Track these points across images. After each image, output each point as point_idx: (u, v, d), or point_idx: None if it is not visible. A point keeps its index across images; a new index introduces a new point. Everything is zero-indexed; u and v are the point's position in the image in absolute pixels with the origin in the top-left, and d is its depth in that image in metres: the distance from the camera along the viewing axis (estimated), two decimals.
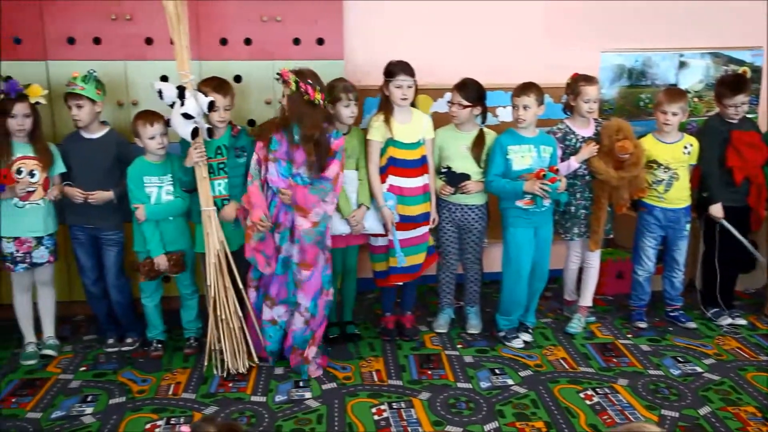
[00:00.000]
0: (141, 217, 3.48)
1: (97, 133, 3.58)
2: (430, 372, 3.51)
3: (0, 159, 3.41)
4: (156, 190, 3.53)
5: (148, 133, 3.44)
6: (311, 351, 3.49)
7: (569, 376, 3.46)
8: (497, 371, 3.52)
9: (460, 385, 3.39)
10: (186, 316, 3.76)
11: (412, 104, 3.67)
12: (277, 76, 3.38)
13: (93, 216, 3.55)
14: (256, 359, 3.51)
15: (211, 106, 3.33)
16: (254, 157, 3.42)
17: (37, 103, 3.47)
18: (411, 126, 3.63)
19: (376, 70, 3.95)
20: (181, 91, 3.27)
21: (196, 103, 3.28)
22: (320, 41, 3.99)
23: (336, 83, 3.55)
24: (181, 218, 3.62)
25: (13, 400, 3.26)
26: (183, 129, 3.31)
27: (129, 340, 3.78)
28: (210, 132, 3.41)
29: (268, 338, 3.52)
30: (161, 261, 3.54)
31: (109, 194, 3.51)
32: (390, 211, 3.60)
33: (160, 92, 3.30)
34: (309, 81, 3.32)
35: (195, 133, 3.31)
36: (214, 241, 3.36)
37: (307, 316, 3.44)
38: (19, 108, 3.40)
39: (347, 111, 3.53)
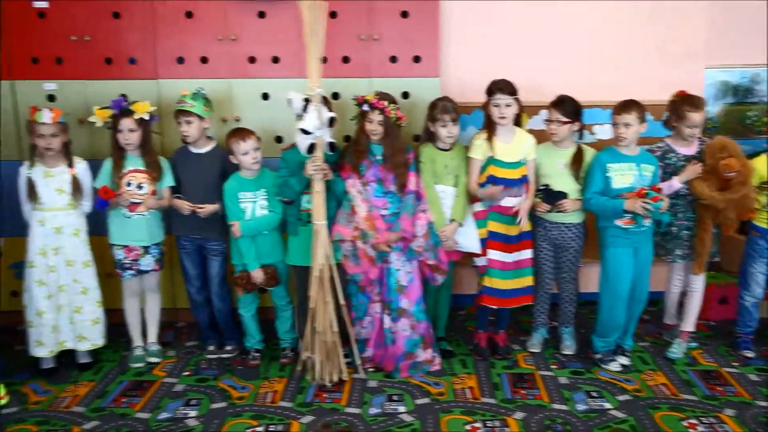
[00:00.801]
0: (237, 234, 3.60)
1: (204, 148, 3.73)
2: (524, 391, 3.47)
3: (114, 171, 3.62)
4: (251, 206, 3.64)
5: (241, 149, 3.56)
6: (426, 353, 3.62)
7: (671, 403, 3.34)
8: (594, 394, 3.44)
9: (555, 406, 3.33)
10: (281, 327, 3.86)
11: (517, 123, 3.67)
12: (363, 103, 3.51)
13: (199, 227, 3.70)
14: (345, 374, 3.56)
15: (332, 122, 3.40)
16: (348, 183, 3.52)
17: (151, 118, 3.65)
18: (513, 145, 3.62)
19: (472, 87, 4.01)
20: (306, 104, 3.36)
21: (317, 117, 3.34)
22: (416, 59, 4.05)
23: (437, 102, 3.59)
24: (276, 231, 3.72)
25: (124, 400, 3.43)
26: (301, 142, 3.40)
27: (228, 348, 3.92)
28: (332, 146, 3.46)
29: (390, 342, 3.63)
30: (257, 274, 3.65)
31: (215, 207, 3.65)
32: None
33: (290, 101, 3.40)
34: (397, 105, 3.53)
35: (312, 148, 3.39)
36: (320, 254, 3.43)
37: (413, 320, 3.55)
38: (125, 123, 3.58)
39: (444, 131, 3.57)
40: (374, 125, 3.50)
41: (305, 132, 3.35)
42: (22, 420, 3.24)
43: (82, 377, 3.65)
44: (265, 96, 4.04)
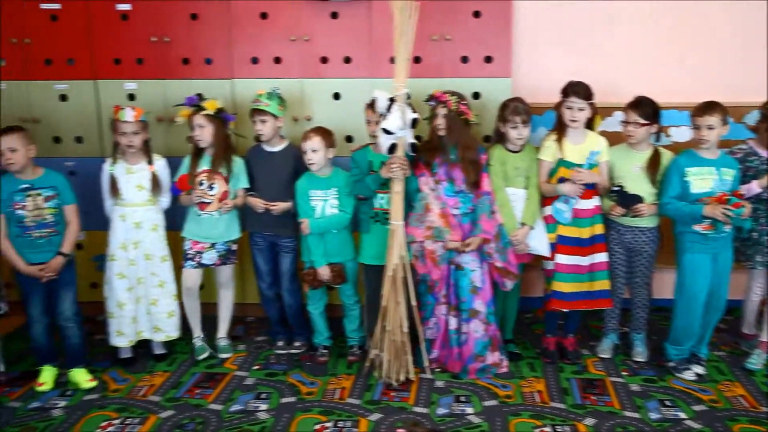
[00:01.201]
0: (305, 231, 3.65)
1: (278, 147, 3.79)
2: (594, 397, 3.41)
3: (190, 169, 3.71)
4: (321, 204, 3.68)
5: (303, 148, 3.61)
6: (494, 356, 3.62)
7: (750, 416, 3.23)
8: (667, 403, 3.35)
9: (627, 413, 3.26)
10: (349, 325, 3.90)
11: (590, 127, 3.61)
12: (430, 99, 3.52)
13: (272, 224, 3.76)
14: (412, 374, 3.56)
15: (415, 123, 3.41)
16: (422, 181, 3.52)
17: (228, 118, 3.73)
18: (584, 147, 3.57)
19: (544, 88, 3.96)
20: (390, 103, 3.37)
21: (400, 118, 3.35)
22: (488, 59, 4.02)
23: (508, 103, 3.57)
24: (345, 231, 3.75)
25: (197, 391, 3.53)
26: (383, 142, 3.41)
27: (297, 344, 3.98)
28: (414, 147, 3.46)
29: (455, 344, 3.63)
30: (324, 272, 3.69)
31: (287, 205, 3.71)
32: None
33: (375, 101, 3.43)
34: (465, 101, 3.49)
35: (392, 148, 3.40)
36: (395, 254, 3.44)
37: (485, 322, 3.57)
38: (196, 120, 3.65)
39: (515, 133, 3.54)
40: (439, 119, 3.49)
41: (387, 132, 3.36)
42: (103, 407, 3.37)
43: (157, 368, 3.78)
44: (337, 96, 4.08)
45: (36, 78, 4.10)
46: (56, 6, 4.01)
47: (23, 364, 3.81)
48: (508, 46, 4.01)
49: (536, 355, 3.87)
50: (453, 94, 3.49)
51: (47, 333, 3.60)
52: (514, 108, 3.53)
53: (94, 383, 3.59)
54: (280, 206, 3.70)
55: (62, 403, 3.40)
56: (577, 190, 3.50)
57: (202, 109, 3.65)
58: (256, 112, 3.67)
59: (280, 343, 3.99)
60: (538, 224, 3.62)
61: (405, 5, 3.29)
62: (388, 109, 3.36)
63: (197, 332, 3.95)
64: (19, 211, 3.43)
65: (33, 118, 4.09)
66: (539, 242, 3.61)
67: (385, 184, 3.54)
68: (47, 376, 3.57)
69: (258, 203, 3.71)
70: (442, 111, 3.47)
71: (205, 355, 3.87)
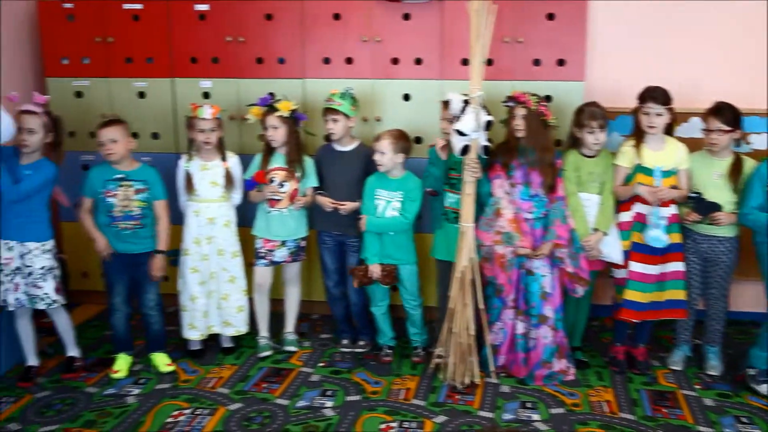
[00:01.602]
0: (362, 227, 3.67)
1: (349, 147, 3.83)
2: (665, 410, 3.33)
3: (262, 166, 3.77)
4: (384, 204, 3.69)
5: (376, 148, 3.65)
6: (561, 363, 3.58)
7: None
8: (744, 419, 3.25)
9: (700, 428, 3.17)
10: (411, 328, 3.89)
11: (669, 132, 3.53)
12: (508, 100, 3.50)
13: (340, 223, 3.80)
14: (477, 378, 3.54)
15: (489, 125, 3.39)
16: (496, 184, 3.50)
17: (300, 117, 3.78)
18: (663, 154, 3.49)
19: (618, 92, 3.90)
20: (464, 105, 3.36)
21: (474, 120, 3.34)
22: (561, 62, 3.96)
23: (585, 107, 3.52)
24: (405, 234, 3.73)
25: (264, 385, 3.59)
26: (456, 143, 3.40)
27: (361, 343, 4.00)
28: (486, 150, 3.44)
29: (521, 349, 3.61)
30: (375, 269, 3.71)
31: (356, 205, 3.74)
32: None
33: (449, 102, 3.44)
34: (544, 102, 3.46)
35: (465, 149, 3.39)
36: (464, 256, 3.44)
37: (553, 328, 3.54)
38: (270, 120, 3.70)
39: (591, 138, 3.49)
40: (518, 120, 3.46)
41: (461, 133, 3.35)
42: (174, 396, 3.46)
43: (226, 361, 3.86)
44: (407, 97, 4.09)
45: (117, 75, 4.24)
46: (138, 6, 4.14)
47: (99, 351, 3.95)
48: (582, 49, 3.95)
49: (604, 364, 3.80)
50: (532, 95, 3.46)
51: (126, 322, 3.73)
52: (591, 113, 3.47)
53: (172, 368, 3.72)
54: (348, 206, 3.73)
55: (136, 391, 3.51)
56: (655, 196, 3.42)
57: (274, 109, 3.71)
58: (329, 111, 3.71)
59: (345, 342, 4.02)
60: (613, 231, 3.55)
61: (482, 7, 3.28)
62: (462, 110, 3.34)
63: (263, 331, 4.01)
64: (110, 199, 3.56)
65: (113, 114, 4.23)
66: (612, 249, 3.54)
67: (453, 180, 3.56)
68: (122, 364, 3.69)
69: (327, 202, 3.75)
70: (521, 111, 3.44)
71: (268, 353, 3.93)
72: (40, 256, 3.44)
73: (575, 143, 3.58)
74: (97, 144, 3.56)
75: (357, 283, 3.78)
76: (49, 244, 3.50)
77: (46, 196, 3.50)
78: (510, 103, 3.50)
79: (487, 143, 3.44)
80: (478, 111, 3.34)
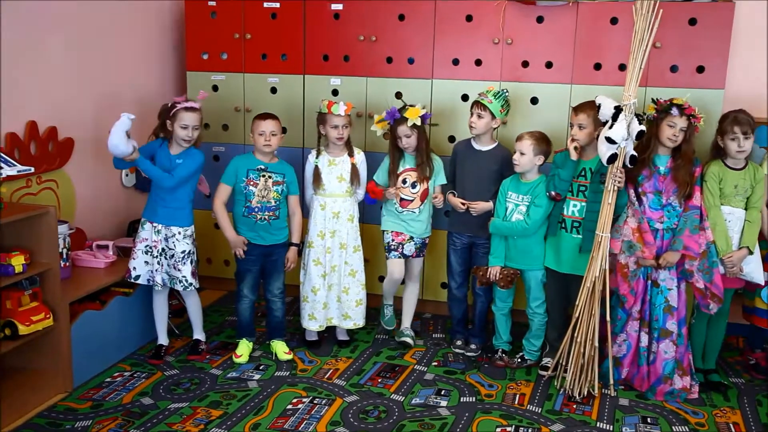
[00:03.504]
0: (488, 228, 3.68)
1: (487, 146, 3.80)
2: None
3: (391, 168, 3.85)
4: (512, 207, 3.67)
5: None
6: (684, 380, 3.45)
7: None
8: None
9: None
10: (530, 335, 3.83)
11: None
12: (659, 105, 3.40)
13: (471, 224, 3.80)
14: (596, 390, 3.46)
15: (641, 135, 3.29)
16: (628, 193, 3.43)
17: (425, 116, 3.78)
18: None
19: (758, 101, 3.70)
20: (617, 112, 3.28)
21: (625, 128, 3.26)
22: (700, 69, 3.81)
23: (729, 114, 3.38)
24: (533, 239, 3.65)
25: (379, 380, 3.64)
26: (603, 150, 3.32)
27: (472, 346, 3.97)
28: (633, 159, 3.33)
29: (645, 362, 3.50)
30: (494, 271, 3.69)
31: (488, 205, 3.73)
32: None
33: (599, 106, 3.37)
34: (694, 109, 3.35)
35: (613, 158, 3.30)
36: (596, 265, 3.36)
37: (676, 344, 3.43)
38: (402, 130, 3.75)
39: (734, 145, 3.34)
40: (676, 131, 3.34)
41: (611, 141, 3.25)
42: (293, 384, 3.56)
43: (341, 353, 3.94)
44: (534, 100, 4.04)
45: (252, 71, 4.41)
46: (276, 5, 4.29)
47: (221, 335, 4.13)
48: (724, 56, 3.77)
49: (729, 383, 3.63)
50: (673, 101, 3.35)
51: (251, 309, 3.87)
52: (734, 118, 3.32)
53: (290, 356, 3.83)
54: (480, 206, 3.72)
55: (257, 376, 3.64)
56: None
57: (404, 119, 3.74)
58: (478, 104, 3.70)
59: (459, 343, 4.00)
60: (756, 249, 3.38)
61: (648, 8, 3.18)
62: (614, 117, 3.25)
63: (389, 308, 4.09)
64: (251, 188, 3.69)
65: (246, 107, 4.41)
66: (755, 268, 3.38)
67: (581, 187, 3.50)
68: (244, 349, 3.83)
69: (458, 203, 3.76)
70: (681, 123, 3.34)
71: (391, 327, 4.05)
72: (182, 240, 3.63)
73: (719, 153, 3.44)
74: (256, 134, 3.66)
75: (478, 283, 3.78)
76: (191, 229, 3.69)
77: (193, 184, 3.70)
78: (674, 111, 3.36)
79: (634, 153, 3.33)
80: (631, 119, 3.25)
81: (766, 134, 3.73)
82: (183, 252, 3.64)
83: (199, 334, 3.90)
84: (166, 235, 3.64)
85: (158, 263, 3.66)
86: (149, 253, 3.65)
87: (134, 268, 3.65)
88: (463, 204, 3.74)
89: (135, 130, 3.48)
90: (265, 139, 3.65)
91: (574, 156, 3.48)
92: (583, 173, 3.55)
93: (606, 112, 3.29)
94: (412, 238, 3.89)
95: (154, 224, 3.64)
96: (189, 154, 3.64)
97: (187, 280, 3.66)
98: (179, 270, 3.64)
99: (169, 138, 3.65)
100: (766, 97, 3.92)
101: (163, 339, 3.85)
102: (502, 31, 4.01)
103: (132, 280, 3.67)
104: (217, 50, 4.46)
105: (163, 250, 3.65)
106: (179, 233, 3.63)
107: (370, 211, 4.16)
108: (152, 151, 3.64)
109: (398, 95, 4.15)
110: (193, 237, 3.72)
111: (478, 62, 4.09)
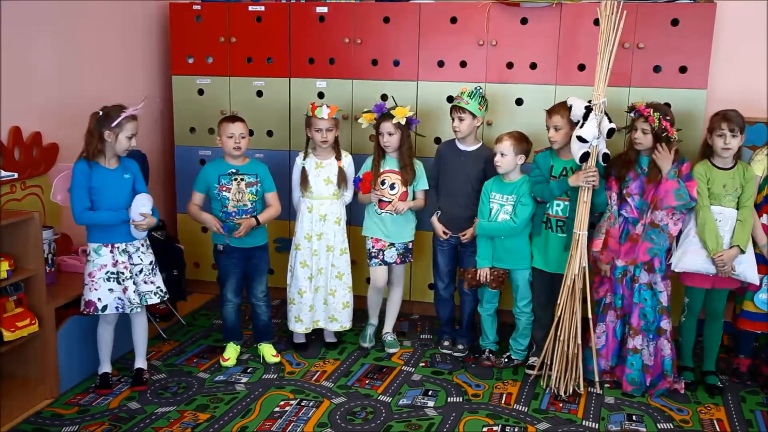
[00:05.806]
0: (474, 230, 3.71)
1: (472, 147, 3.82)
2: None
3: (373, 169, 3.84)
4: (497, 207, 3.69)
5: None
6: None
7: None
8: None
9: None
10: (516, 335, 3.85)
11: None
12: (631, 110, 3.44)
13: (458, 225, 3.82)
14: (581, 388, 3.49)
15: (611, 133, 3.32)
16: (610, 195, 3.47)
17: (413, 122, 3.81)
18: None
19: (743, 100, 3.74)
20: (587, 112, 3.32)
21: (596, 127, 3.29)
22: (683, 69, 3.84)
23: (720, 112, 3.38)
24: (518, 238, 3.68)
25: (367, 381, 3.65)
26: (576, 149, 3.36)
27: (460, 347, 3.99)
28: (606, 157, 3.38)
29: (629, 366, 3.52)
30: (484, 273, 3.71)
31: (471, 231, 3.77)
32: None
33: (571, 107, 3.40)
34: (668, 117, 3.35)
35: (585, 156, 3.35)
36: (575, 264, 3.39)
37: (669, 341, 3.48)
38: (385, 126, 3.76)
39: (720, 142, 3.34)
40: (638, 134, 3.39)
41: (582, 140, 3.30)
42: (281, 386, 3.57)
43: (329, 355, 3.94)
44: (519, 101, 4.07)
45: (237, 75, 4.41)
46: (261, 8, 4.29)
47: (209, 339, 4.12)
48: (707, 56, 3.81)
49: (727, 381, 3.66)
50: (656, 109, 3.35)
51: (236, 312, 3.86)
52: (724, 115, 3.33)
53: (278, 359, 3.83)
54: (469, 233, 3.78)
55: (244, 379, 3.64)
56: None
57: (390, 116, 3.76)
58: (456, 109, 3.72)
59: (446, 343, 4.02)
60: (749, 249, 3.38)
61: (613, 10, 3.22)
62: (585, 117, 3.29)
63: (373, 318, 4.09)
64: (224, 193, 3.66)
65: (232, 111, 4.41)
66: (748, 268, 3.37)
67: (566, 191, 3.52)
68: (231, 353, 3.83)
69: (440, 231, 3.84)
70: (643, 126, 3.37)
71: (366, 344, 4.02)
72: (147, 251, 3.51)
73: (707, 152, 3.46)
74: (224, 137, 3.64)
75: (466, 285, 3.80)
76: (146, 237, 3.54)
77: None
78: (633, 114, 3.43)
79: (606, 151, 3.38)
80: (601, 118, 3.29)
81: (766, 133, 3.78)
82: (151, 263, 3.52)
83: (141, 363, 3.60)
84: (129, 252, 3.44)
85: (131, 284, 3.40)
86: (115, 280, 3.37)
87: (99, 299, 3.33)
88: (446, 234, 3.81)
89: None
90: (234, 142, 3.63)
91: (572, 183, 3.46)
92: (564, 172, 3.57)
93: (577, 113, 3.33)
94: (393, 244, 3.91)
95: (115, 245, 3.38)
96: (128, 165, 3.46)
97: (162, 290, 3.54)
98: (152, 282, 3.50)
99: (93, 152, 3.30)
100: (766, 97, 3.97)
101: (107, 367, 3.55)
102: (487, 33, 4.03)
103: (100, 313, 3.35)
104: (203, 54, 4.46)
105: (130, 268, 3.43)
106: (142, 245, 3.49)
107: (357, 214, 4.17)
108: (87, 181, 3.29)
109: (383, 98, 4.16)
110: (148, 243, 3.59)
111: (463, 64, 4.11)
